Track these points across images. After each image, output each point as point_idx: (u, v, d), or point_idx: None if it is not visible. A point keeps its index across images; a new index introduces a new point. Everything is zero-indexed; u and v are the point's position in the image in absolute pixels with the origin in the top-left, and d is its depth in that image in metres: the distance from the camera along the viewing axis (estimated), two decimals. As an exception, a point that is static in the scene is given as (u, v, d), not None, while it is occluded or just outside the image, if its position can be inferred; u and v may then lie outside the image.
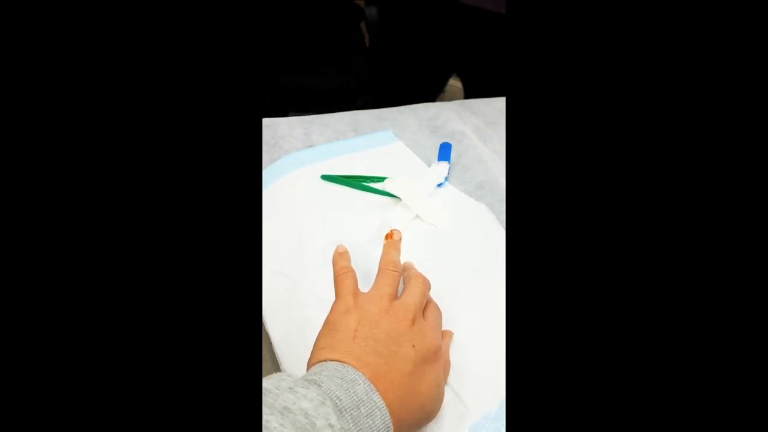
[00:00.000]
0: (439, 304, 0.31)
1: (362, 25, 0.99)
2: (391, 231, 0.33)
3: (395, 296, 0.28)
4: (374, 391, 0.22)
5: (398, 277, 0.29)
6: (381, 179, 0.43)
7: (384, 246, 0.31)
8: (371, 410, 0.21)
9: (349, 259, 0.31)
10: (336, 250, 0.31)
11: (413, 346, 0.25)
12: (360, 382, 0.22)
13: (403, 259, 0.32)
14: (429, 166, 0.47)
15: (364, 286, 0.29)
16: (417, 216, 0.41)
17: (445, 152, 0.49)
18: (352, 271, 0.29)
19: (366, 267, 0.33)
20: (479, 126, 0.55)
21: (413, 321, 0.26)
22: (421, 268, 0.33)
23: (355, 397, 0.21)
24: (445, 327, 0.31)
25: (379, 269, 0.29)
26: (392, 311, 0.26)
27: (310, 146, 0.47)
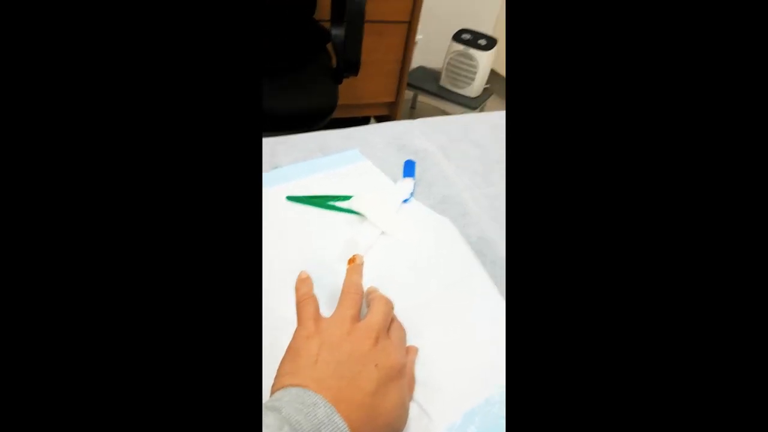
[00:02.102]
0: (406, 320, 0.31)
1: (329, 46, 1.01)
2: (354, 256, 0.34)
3: (358, 318, 0.28)
4: (335, 413, 0.22)
5: (360, 299, 0.30)
6: (347, 198, 0.44)
7: (347, 270, 0.32)
8: None
9: (311, 286, 0.31)
10: (298, 276, 0.32)
11: (376, 365, 0.25)
12: (321, 405, 0.22)
13: (370, 275, 0.33)
14: (395, 183, 0.48)
15: (332, 306, 0.29)
16: (383, 232, 0.41)
17: (409, 169, 0.50)
18: (314, 297, 0.30)
19: (333, 286, 0.34)
20: (443, 143, 0.57)
21: (376, 340, 0.26)
22: (388, 283, 0.34)
23: (315, 420, 0.21)
24: (411, 342, 0.31)
25: (342, 292, 0.30)
26: (354, 332, 0.26)
27: (276, 167, 0.47)
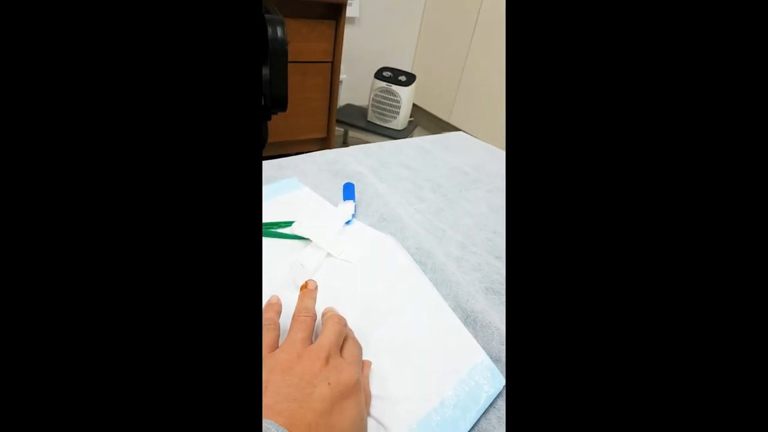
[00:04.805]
0: (359, 336, 0.32)
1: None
2: (306, 281, 0.34)
3: (309, 341, 0.28)
4: None
5: (311, 322, 0.29)
6: (289, 224, 0.44)
7: (299, 296, 0.32)
8: None
9: (277, 312, 0.30)
10: (269, 300, 0.31)
11: (329, 384, 0.25)
12: (272, 429, 0.21)
13: (320, 297, 0.33)
14: (336, 206, 0.49)
15: (282, 330, 0.29)
16: (329, 254, 0.42)
17: (349, 192, 0.52)
18: (275, 325, 0.29)
19: (282, 311, 0.33)
20: (375, 166, 0.60)
21: (327, 360, 0.26)
22: (338, 303, 0.34)
23: None
24: (365, 357, 0.32)
25: (293, 318, 0.30)
26: (305, 355, 0.26)
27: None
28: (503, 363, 0.33)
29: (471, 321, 0.36)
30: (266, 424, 0.21)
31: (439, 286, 0.40)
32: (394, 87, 1.73)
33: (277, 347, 0.27)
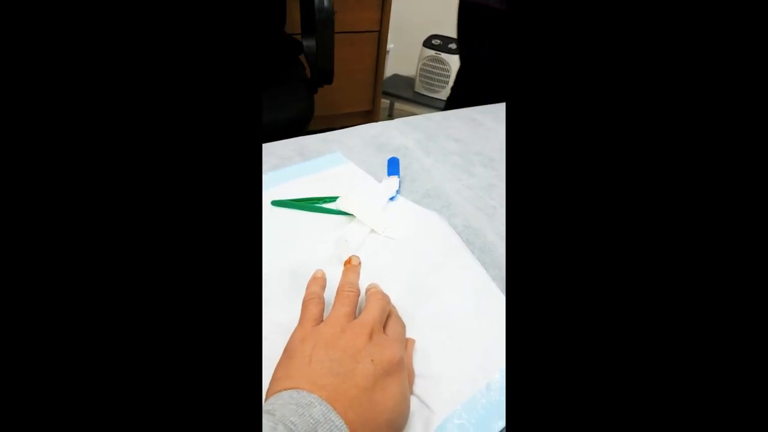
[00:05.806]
0: (403, 314, 0.31)
1: (301, 57, 1.02)
2: (350, 257, 0.33)
3: (353, 316, 0.28)
4: (332, 411, 0.21)
5: (355, 297, 0.29)
6: (333, 199, 0.44)
7: (343, 271, 0.32)
8: (330, 431, 0.21)
9: (322, 286, 0.31)
10: (313, 274, 0.31)
11: (372, 360, 0.24)
12: (316, 404, 0.21)
13: (363, 274, 0.33)
14: (380, 181, 0.48)
15: (326, 306, 0.29)
16: (373, 230, 0.41)
17: (393, 167, 0.50)
18: (320, 298, 0.29)
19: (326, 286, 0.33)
20: (421, 139, 0.58)
21: (370, 336, 0.26)
22: (381, 279, 0.34)
23: (311, 420, 0.20)
24: (409, 336, 0.31)
25: (337, 292, 0.30)
26: (349, 330, 0.26)
27: (259, 175, 0.47)
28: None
29: (521, 305, 0.34)
30: (310, 398, 0.22)
31: (489, 267, 0.38)
32: (444, 55, 1.65)
33: (322, 321, 0.28)
